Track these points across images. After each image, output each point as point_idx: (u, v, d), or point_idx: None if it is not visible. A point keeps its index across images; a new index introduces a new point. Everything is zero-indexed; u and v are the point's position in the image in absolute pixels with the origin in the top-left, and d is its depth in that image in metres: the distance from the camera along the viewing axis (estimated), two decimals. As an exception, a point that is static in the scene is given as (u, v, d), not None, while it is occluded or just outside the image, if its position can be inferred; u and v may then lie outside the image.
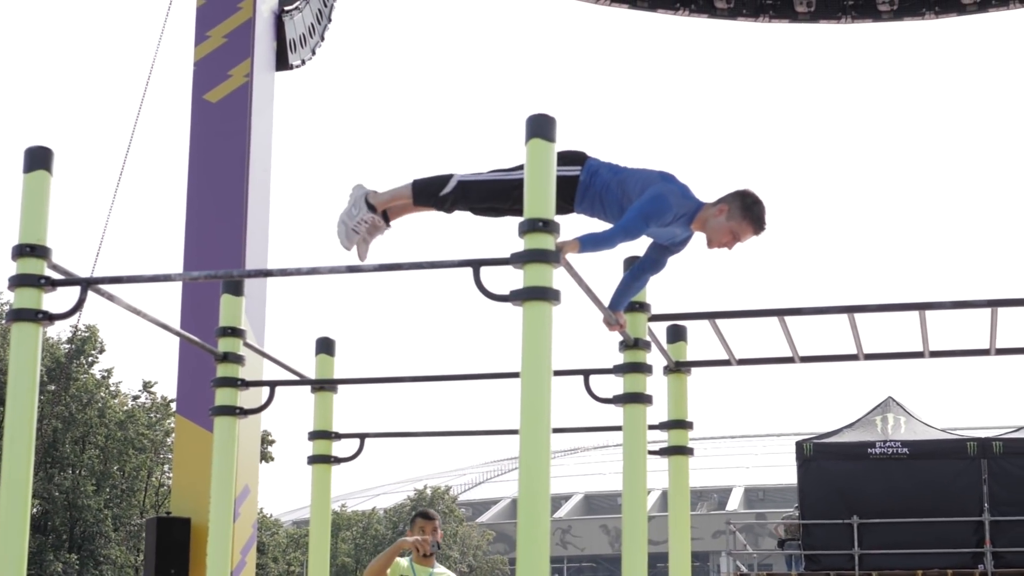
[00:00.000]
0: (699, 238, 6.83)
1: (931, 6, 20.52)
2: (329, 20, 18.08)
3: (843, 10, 20.70)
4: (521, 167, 5.77)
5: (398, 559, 9.60)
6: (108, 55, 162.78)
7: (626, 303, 6.94)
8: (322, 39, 17.79)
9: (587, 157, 6.84)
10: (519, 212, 5.41)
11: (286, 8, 16.86)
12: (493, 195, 6.80)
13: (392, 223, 7.11)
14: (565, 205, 6.78)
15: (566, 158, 6.65)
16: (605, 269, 6.89)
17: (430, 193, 6.93)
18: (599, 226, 6.58)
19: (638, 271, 6.96)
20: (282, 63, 16.75)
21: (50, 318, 5.80)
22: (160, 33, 15.67)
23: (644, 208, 6.48)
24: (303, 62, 17.29)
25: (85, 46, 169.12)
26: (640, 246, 6.85)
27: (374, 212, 7.02)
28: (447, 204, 6.92)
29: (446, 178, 6.91)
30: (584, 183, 6.76)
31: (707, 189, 6.79)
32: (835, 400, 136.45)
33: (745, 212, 6.70)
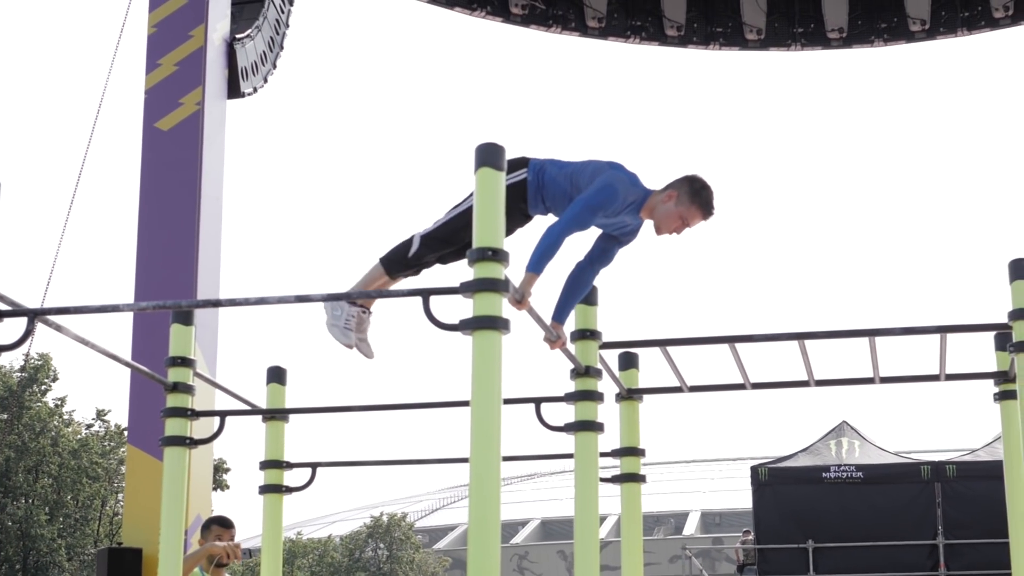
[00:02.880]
0: (648, 228, 6.87)
1: (879, 34, 20.68)
2: (281, 48, 18.06)
3: (792, 38, 20.83)
4: (471, 195, 5.80)
5: (196, 571, 9.43)
6: (58, 83, 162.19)
7: (571, 309, 6.94)
8: (274, 67, 17.77)
9: (529, 159, 6.89)
10: None
11: (237, 36, 16.84)
12: (457, 232, 6.82)
13: (372, 309, 7.18)
14: (522, 211, 6.83)
15: (509, 165, 6.69)
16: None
17: (399, 261, 6.99)
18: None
19: (586, 265, 6.96)
20: (234, 91, 16.71)
21: (-3, 349, 5.76)
22: (111, 61, 15.63)
23: (592, 198, 6.52)
24: (255, 90, 17.26)
25: (35, 74, 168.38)
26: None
27: (354, 305, 7.07)
28: (418, 263, 6.98)
29: (408, 241, 6.99)
30: (533, 183, 6.80)
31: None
32: (790, 424, 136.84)
33: (694, 197, 6.75)
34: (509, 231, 5.46)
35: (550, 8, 20.27)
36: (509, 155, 6.23)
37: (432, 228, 6.94)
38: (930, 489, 21.68)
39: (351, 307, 7.08)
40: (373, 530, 63.89)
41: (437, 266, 7.10)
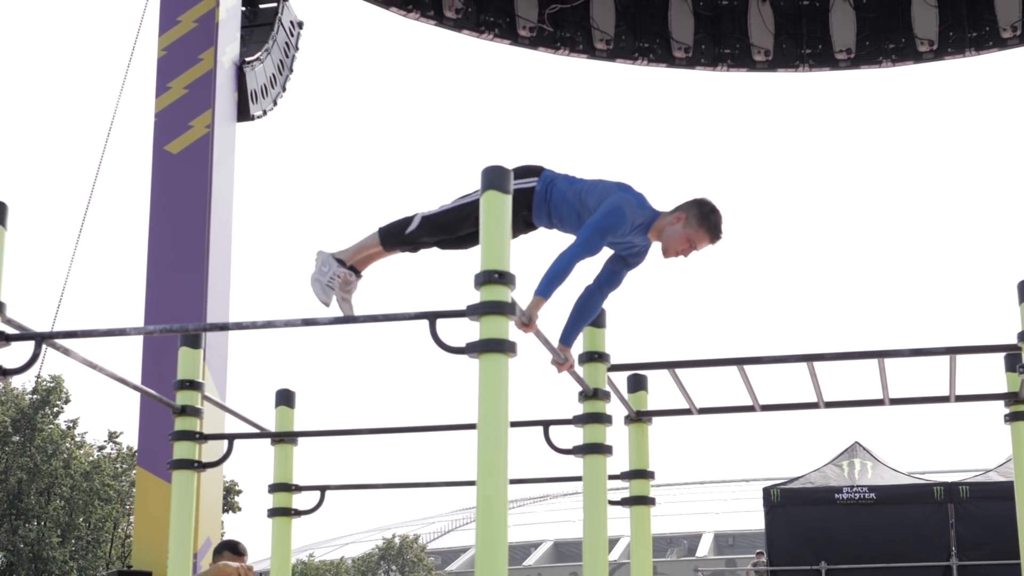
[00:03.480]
0: (656, 249, 6.86)
1: (887, 55, 20.68)
2: (291, 71, 18.09)
3: (800, 59, 20.83)
4: (478, 190, 5.81)
5: None
6: (69, 106, 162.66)
7: (578, 332, 6.93)
8: (284, 89, 17.79)
9: (543, 169, 6.88)
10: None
11: (247, 59, 16.87)
12: (457, 223, 6.84)
13: (363, 272, 7.14)
14: (525, 219, 6.84)
15: (522, 172, 6.70)
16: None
17: (396, 235, 6.97)
18: (560, 240, 6.60)
19: (594, 289, 6.94)
20: (243, 114, 16.73)
21: (4, 372, 5.76)
22: (121, 85, 15.67)
23: (601, 222, 6.51)
24: (264, 112, 17.28)
25: (45, 97, 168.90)
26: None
27: (343, 266, 7.04)
28: (414, 242, 6.98)
29: (409, 218, 6.97)
30: (540, 194, 6.80)
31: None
32: (803, 444, 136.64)
33: (702, 220, 6.73)
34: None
35: (558, 31, 20.27)
36: (526, 163, 6.25)
37: (435, 212, 6.93)
38: (943, 510, 21.58)
39: (339, 268, 7.04)
40: (385, 552, 63.91)
41: (445, 288, 7.09)
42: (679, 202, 6.82)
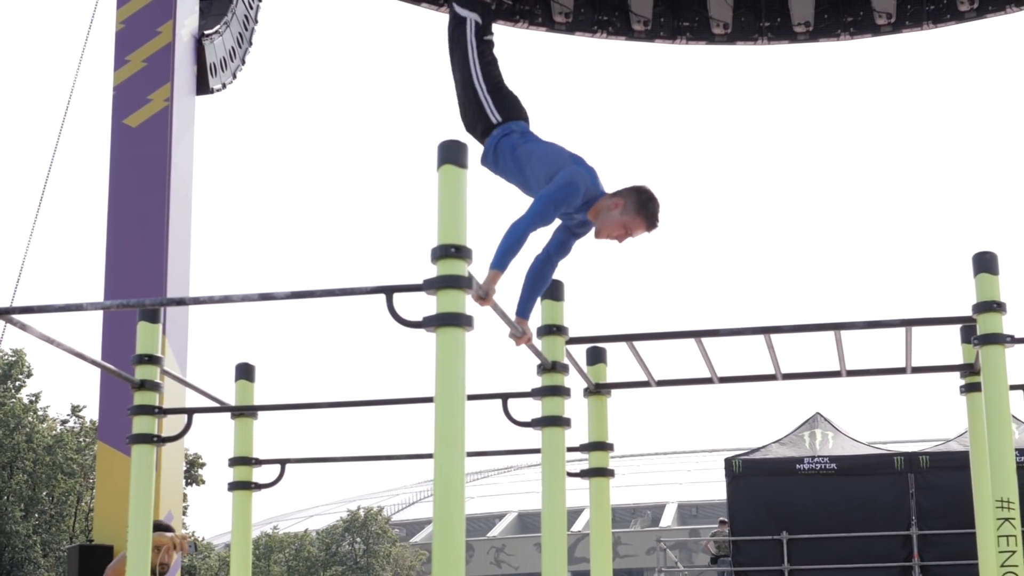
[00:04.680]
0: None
1: (846, 28, 20.72)
2: (250, 44, 17.99)
3: (759, 32, 20.84)
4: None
5: None
6: (26, 80, 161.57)
7: (534, 303, 6.95)
8: (243, 62, 17.71)
9: (513, 121, 6.98)
10: None
11: (206, 32, 16.78)
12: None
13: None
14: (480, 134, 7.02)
15: (500, 105, 6.97)
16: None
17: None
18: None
19: (544, 259, 6.98)
20: (203, 87, 16.65)
21: (-39, 348, 5.76)
22: (79, 58, 15.57)
23: (555, 194, 6.55)
24: (224, 86, 17.20)
25: (2, 70, 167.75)
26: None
27: None
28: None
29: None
30: (495, 137, 6.98)
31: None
32: (765, 416, 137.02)
33: (640, 208, 6.76)
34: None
35: (516, 3, 20.22)
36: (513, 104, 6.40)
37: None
38: (904, 480, 21.74)
39: None
40: (350, 524, 63.88)
41: (402, 263, 7.13)
42: (619, 187, 6.84)
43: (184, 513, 44.17)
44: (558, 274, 7.07)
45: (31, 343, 44.74)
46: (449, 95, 7.24)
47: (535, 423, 6.91)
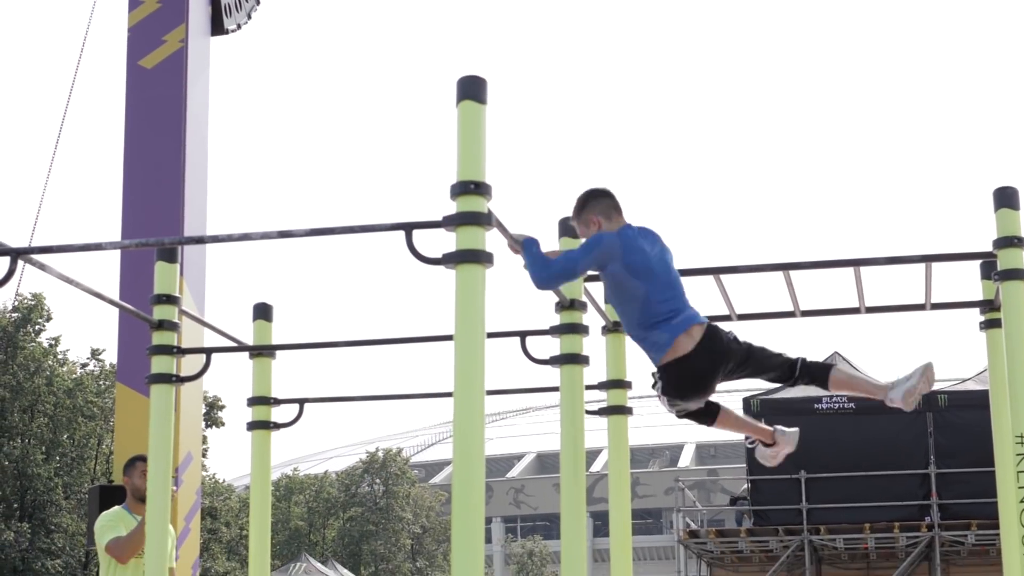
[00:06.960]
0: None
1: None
2: (265, -17, 17.95)
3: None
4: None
5: (117, 508, 9.32)
6: (41, 20, 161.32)
7: None
8: (258, 3, 17.63)
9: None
10: None
11: (220, -28, 16.72)
12: None
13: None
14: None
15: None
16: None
17: None
18: None
19: None
20: (217, 28, 16.58)
21: (-21, 288, 5.75)
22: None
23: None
24: (239, 26, 17.12)
25: (16, 12, 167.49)
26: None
27: None
28: None
29: None
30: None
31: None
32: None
33: (610, 207, 6.65)
34: None
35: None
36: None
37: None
38: (922, 419, 21.73)
39: None
40: (369, 465, 64.07)
41: (421, 200, 7.05)
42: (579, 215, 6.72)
43: (204, 455, 44.38)
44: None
45: (50, 286, 44.80)
46: (471, 33, 7.11)
47: (553, 361, 6.90)
